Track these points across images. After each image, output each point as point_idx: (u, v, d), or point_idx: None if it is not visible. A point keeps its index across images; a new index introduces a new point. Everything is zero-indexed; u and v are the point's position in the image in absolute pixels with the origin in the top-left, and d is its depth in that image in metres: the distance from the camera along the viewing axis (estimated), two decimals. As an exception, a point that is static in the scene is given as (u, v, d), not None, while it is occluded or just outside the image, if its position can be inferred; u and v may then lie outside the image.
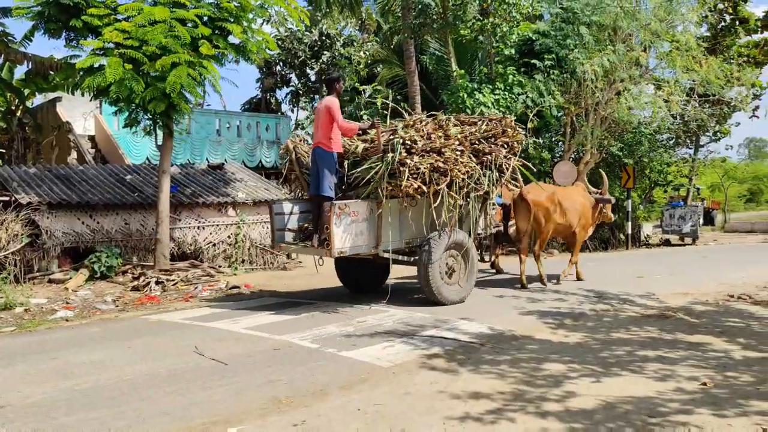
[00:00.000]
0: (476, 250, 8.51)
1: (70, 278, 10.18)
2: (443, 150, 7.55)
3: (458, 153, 7.63)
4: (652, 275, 10.69)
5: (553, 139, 17.31)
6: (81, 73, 10.19)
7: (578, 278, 10.00)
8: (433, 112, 8.89)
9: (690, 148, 22.71)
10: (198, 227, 12.27)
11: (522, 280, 9.14)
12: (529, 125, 15.19)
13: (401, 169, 7.18)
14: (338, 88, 7.99)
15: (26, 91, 15.09)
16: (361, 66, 23.60)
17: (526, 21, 16.94)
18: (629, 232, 17.49)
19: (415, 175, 7.24)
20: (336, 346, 5.64)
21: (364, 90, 21.93)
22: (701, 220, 20.77)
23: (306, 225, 8.15)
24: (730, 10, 19.62)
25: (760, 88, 20.03)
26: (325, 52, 23.11)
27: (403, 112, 9.25)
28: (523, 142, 9.05)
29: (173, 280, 10.15)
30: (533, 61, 15.59)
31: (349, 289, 8.94)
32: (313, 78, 25.31)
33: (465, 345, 5.74)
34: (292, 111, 27.34)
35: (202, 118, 18.85)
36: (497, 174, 8.06)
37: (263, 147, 20.02)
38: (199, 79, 10.22)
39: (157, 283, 9.91)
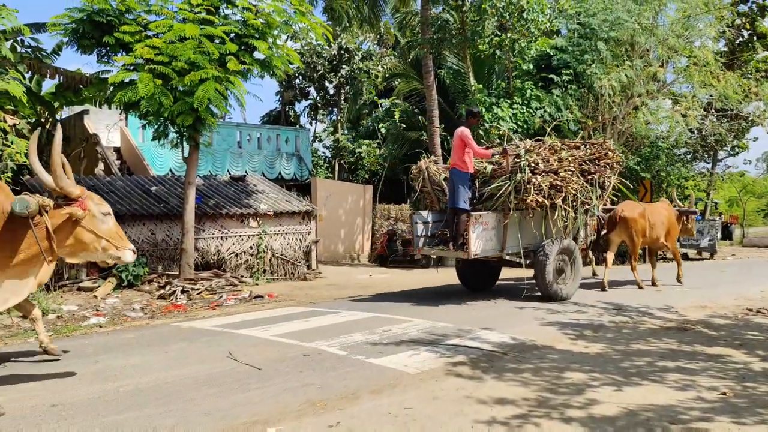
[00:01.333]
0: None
1: (99, 286, 10.49)
2: (559, 171, 9.08)
3: (570, 173, 9.17)
4: (671, 288, 10.78)
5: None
6: (112, 87, 10.57)
7: (653, 283, 11.21)
8: (540, 138, 10.35)
9: (708, 163, 22.73)
10: (221, 237, 12.55)
11: (604, 284, 10.47)
12: (547, 139, 15.37)
13: (527, 186, 8.74)
14: (473, 121, 9.69)
15: (56, 104, 15.52)
16: (379, 80, 23.93)
17: (544, 36, 17.16)
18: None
19: (537, 192, 8.77)
20: (364, 353, 5.83)
21: (382, 104, 22.24)
22: (719, 235, 20.72)
23: (442, 232, 9.54)
24: (748, 26, 19.70)
25: (778, 102, 20.02)
26: (344, 66, 23.46)
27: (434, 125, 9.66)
28: (622, 163, 10.59)
29: (198, 289, 10.42)
30: (551, 75, 15.83)
31: (466, 288, 10.50)
32: (331, 91, 25.67)
33: (488, 353, 5.91)
34: (311, 123, 27.72)
35: (224, 131, 19.22)
36: (600, 190, 9.64)
37: (283, 159, 20.35)
38: (225, 93, 10.55)
39: (182, 291, 10.18)
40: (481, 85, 16.71)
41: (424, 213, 9.85)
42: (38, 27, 12.30)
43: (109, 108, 12.32)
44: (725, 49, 19.53)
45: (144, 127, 14.46)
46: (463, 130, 9.11)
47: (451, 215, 9.23)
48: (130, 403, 4.43)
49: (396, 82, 24.12)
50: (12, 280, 4.56)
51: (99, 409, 4.28)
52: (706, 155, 21.39)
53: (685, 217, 11.67)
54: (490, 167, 9.28)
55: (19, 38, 11.96)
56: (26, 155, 6.80)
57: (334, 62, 23.78)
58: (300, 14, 11.18)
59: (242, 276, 12.37)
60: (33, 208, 4.41)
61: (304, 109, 26.70)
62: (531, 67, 16.26)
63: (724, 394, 4.66)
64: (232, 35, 10.82)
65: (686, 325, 7.40)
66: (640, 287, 10.66)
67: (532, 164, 8.87)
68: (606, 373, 5.25)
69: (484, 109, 15.18)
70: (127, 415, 4.15)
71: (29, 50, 12.27)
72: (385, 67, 24.54)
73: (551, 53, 16.19)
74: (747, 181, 31.16)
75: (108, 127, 18.61)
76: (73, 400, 4.51)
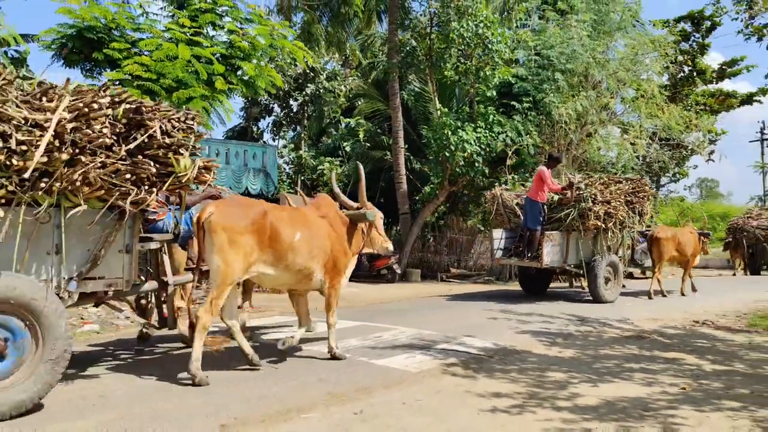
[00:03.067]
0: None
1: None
2: (611, 201, 11.56)
3: (619, 203, 11.69)
4: (624, 303, 11.70)
5: (530, 176, 18.45)
6: (98, 101, 10.80)
7: (693, 289, 13.72)
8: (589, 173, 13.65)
9: (652, 188, 24.24)
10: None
11: (650, 293, 12.69)
12: (508, 162, 16.32)
13: (589, 213, 11.25)
14: (552, 164, 12.12)
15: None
16: (342, 99, 24.57)
17: (505, 65, 18.19)
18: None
19: (596, 217, 11.29)
20: (365, 355, 6.38)
21: (347, 123, 22.88)
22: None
23: (516, 246, 11.93)
24: (689, 63, 21.34)
25: (716, 134, 21.70)
26: (309, 85, 23.98)
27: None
28: (653, 198, 13.80)
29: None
30: (512, 102, 16.80)
31: (525, 292, 12.91)
32: (295, 109, 26.11)
33: (475, 357, 6.54)
34: (273, 140, 28.00)
35: (191, 145, 19.39)
36: (639, 217, 12.17)
37: (250, 174, 20.63)
38: (211, 111, 10.97)
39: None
40: (446, 109, 17.55)
41: (498, 231, 12.28)
42: (26, 38, 12.40)
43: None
44: (669, 83, 21.09)
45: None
46: (544, 170, 11.54)
47: (526, 234, 11.59)
48: (168, 393, 4.89)
49: (359, 102, 24.84)
50: (351, 262, 6.65)
51: (143, 399, 4.71)
52: (650, 180, 22.87)
53: (703, 238, 14.31)
54: (557, 197, 11.84)
55: (3, 49, 12.05)
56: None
57: (300, 81, 24.28)
58: (283, 38, 11.74)
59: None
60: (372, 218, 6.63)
61: (267, 126, 27.02)
62: (494, 93, 17.22)
63: (684, 388, 5.42)
64: (218, 55, 11.27)
65: (643, 335, 8.23)
66: (662, 295, 12.93)
67: (593, 195, 11.36)
68: (582, 372, 5.96)
69: (450, 132, 15.99)
70: (173, 402, 4.61)
71: (11, 61, 12.36)
72: (348, 87, 25.21)
73: (512, 81, 17.19)
74: (685, 205, 33.15)
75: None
76: (117, 393, 4.90)
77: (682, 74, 21.41)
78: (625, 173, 19.89)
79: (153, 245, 5.74)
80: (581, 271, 11.83)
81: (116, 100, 4.76)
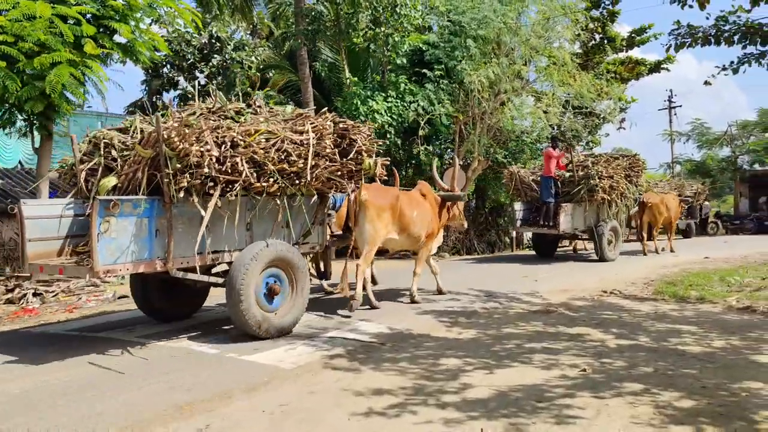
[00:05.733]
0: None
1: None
2: (613, 176, 13.61)
3: (620, 177, 13.73)
4: (535, 275, 11.39)
5: (443, 146, 17.97)
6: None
7: (672, 250, 15.80)
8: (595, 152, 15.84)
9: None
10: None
11: (644, 251, 15.18)
12: (420, 132, 15.74)
13: (596, 188, 13.25)
14: (554, 145, 14.25)
15: None
16: (253, 71, 23.27)
17: (417, 32, 17.50)
18: (514, 235, 18.50)
19: (603, 191, 13.32)
20: (236, 350, 5.59)
21: (256, 95, 21.66)
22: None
23: (535, 216, 14.12)
24: (599, 30, 21.28)
25: (626, 102, 21.87)
26: (215, 56, 22.51)
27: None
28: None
29: (53, 292, 9.53)
30: (424, 70, 16.16)
31: (538, 255, 15.32)
32: (202, 81, 24.59)
33: (366, 344, 5.90)
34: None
35: (84, 120, 17.80)
36: (635, 188, 14.36)
37: (150, 150, 19.21)
38: (82, 79, 9.72)
39: (35, 294, 9.27)
40: (356, 78, 16.73)
41: (518, 204, 14.37)
42: None
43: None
44: (580, 51, 20.99)
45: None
46: (550, 150, 13.82)
47: (541, 206, 13.67)
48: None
49: (270, 74, 23.62)
50: (439, 235, 9.00)
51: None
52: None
53: (683, 204, 17.32)
54: (567, 174, 13.84)
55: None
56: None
57: (205, 51, 22.77)
58: (165, -3, 10.56)
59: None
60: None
61: (174, 99, 25.34)
62: (405, 61, 16.53)
63: (585, 370, 4.96)
64: (89, 16, 9.98)
65: (550, 308, 7.83)
66: (645, 254, 15.01)
67: (599, 172, 13.38)
68: (479, 357, 5.42)
69: (359, 102, 15.22)
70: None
71: None
72: (259, 58, 23.91)
73: (424, 48, 16.53)
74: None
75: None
76: None
77: (593, 42, 21.35)
78: (540, 142, 19.84)
79: (332, 219, 7.95)
80: (587, 236, 14.20)
81: (335, 121, 6.83)
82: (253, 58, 23.72)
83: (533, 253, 15.92)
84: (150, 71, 23.40)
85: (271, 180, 5.99)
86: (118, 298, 9.35)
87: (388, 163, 7.87)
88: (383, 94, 15.71)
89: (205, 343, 5.96)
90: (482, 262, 14.65)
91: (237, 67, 22.14)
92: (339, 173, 6.83)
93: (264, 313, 6.01)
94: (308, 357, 5.41)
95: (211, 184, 5.61)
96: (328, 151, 6.50)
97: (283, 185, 6.11)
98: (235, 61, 22.65)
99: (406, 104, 15.64)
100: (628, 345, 5.87)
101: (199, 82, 24.36)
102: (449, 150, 18.27)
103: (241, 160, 5.70)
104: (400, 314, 7.50)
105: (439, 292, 9.01)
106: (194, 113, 6.11)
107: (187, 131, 5.50)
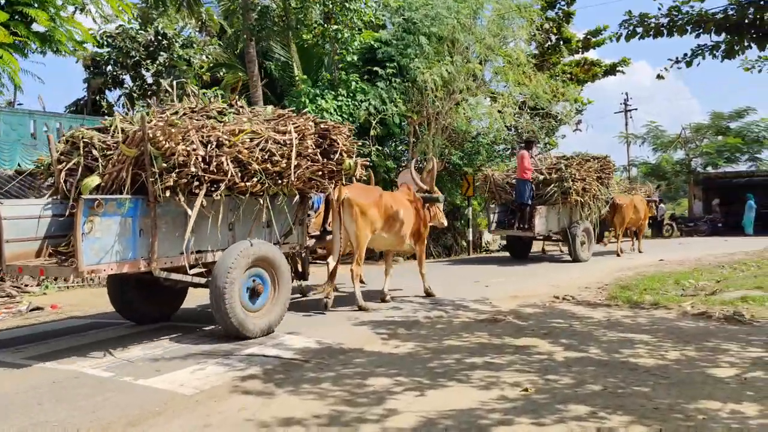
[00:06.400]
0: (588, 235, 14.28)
1: None
2: (585, 178, 13.74)
3: (592, 179, 13.87)
4: (488, 280, 10.89)
5: (397, 147, 17.43)
6: None
7: (640, 251, 16.32)
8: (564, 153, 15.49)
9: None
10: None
11: (617, 252, 15.39)
12: (372, 133, 15.15)
13: (570, 190, 13.38)
14: (528, 147, 14.27)
15: None
16: (203, 70, 22.38)
17: (369, 29, 16.95)
18: (470, 238, 18.03)
19: (576, 193, 13.46)
20: (134, 373, 4.87)
21: (205, 94, 20.78)
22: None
23: (510, 219, 14.16)
24: (555, 31, 21.08)
25: (582, 104, 21.69)
26: (162, 53, 21.56)
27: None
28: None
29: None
30: (376, 68, 15.60)
31: (513, 257, 15.09)
32: (149, 80, 23.57)
33: (287, 362, 5.25)
34: (127, 114, 25.27)
35: (13, 119, 16.72)
36: (606, 189, 14.48)
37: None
38: (-8, 69, 8.89)
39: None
40: (306, 77, 16.05)
41: (492, 206, 14.51)
42: None
43: None
44: (536, 51, 20.75)
45: None
46: (524, 153, 13.67)
47: (518, 208, 13.69)
48: None
49: (221, 73, 22.77)
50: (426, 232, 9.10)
51: None
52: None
53: (653, 204, 17.94)
54: (541, 176, 13.80)
55: None
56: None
57: (151, 48, 21.80)
58: (89, -17, 9.78)
59: (26, 285, 10.59)
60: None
61: (118, 99, 24.23)
62: (356, 59, 15.95)
63: (527, 390, 4.42)
64: (2, 1, 9.15)
65: (498, 317, 7.30)
66: (620, 254, 15.21)
67: (572, 175, 13.49)
68: (412, 375, 4.83)
69: (307, 101, 14.57)
70: None
71: None
72: (210, 57, 23.04)
73: (376, 46, 15.98)
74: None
75: None
76: None
77: (549, 43, 21.12)
78: (497, 144, 19.48)
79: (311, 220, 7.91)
80: (561, 238, 14.32)
81: (316, 122, 6.82)
82: (203, 57, 22.86)
83: (491, 255, 15.59)
84: (92, 68, 22.34)
85: (255, 179, 6.01)
86: (31, 310, 8.50)
87: (368, 164, 8.04)
88: (333, 93, 15.09)
89: (103, 363, 5.22)
90: (437, 266, 14.13)
91: (183, 64, 21.26)
92: (320, 173, 6.86)
93: (247, 312, 6.03)
94: (216, 379, 4.73)
95: (197, 183, 5.59)
96: (309, 151, 6.56)
97: (267, 185, 6.14)
98: (183, 59, 21.76)
99: (357, 103, 15.04)
100: (577, 358, 5.37)
101: (145, 80, 23.38)
102: (405, 151, 17.74)
103: (227, 159, 5.72)
104: (335, 325, 6.88)
105: (382, 300, 8.44)
106: (177, 113, 6.08)
107: (173, 130, 5.44)
